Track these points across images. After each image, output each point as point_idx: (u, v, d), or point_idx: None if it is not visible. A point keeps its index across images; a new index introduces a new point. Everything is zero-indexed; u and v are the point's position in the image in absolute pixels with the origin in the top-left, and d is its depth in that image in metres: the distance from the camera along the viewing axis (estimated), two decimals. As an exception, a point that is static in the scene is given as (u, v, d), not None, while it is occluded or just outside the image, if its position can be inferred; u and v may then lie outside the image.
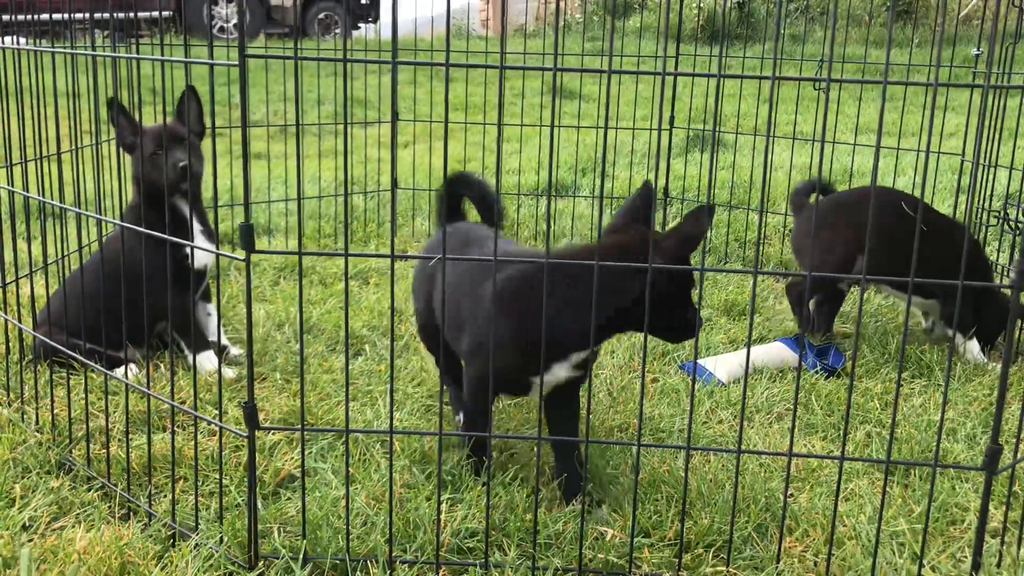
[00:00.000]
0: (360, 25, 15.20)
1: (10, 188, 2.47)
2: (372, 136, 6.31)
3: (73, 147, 2.90)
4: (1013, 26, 3.31)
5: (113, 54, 2.04)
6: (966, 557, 1.98)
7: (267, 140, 5.18)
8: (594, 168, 5.70)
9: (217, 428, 2.29)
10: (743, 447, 2.44)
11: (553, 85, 1.69)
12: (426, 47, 9.58)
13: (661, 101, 1.69)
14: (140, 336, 2.71)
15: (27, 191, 2.45)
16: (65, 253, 2.91)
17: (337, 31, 14.67)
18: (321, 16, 14.39)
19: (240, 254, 1.77)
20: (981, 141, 2.95)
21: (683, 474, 2.24)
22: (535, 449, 2.37)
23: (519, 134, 6.41)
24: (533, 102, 8.69)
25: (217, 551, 1.90)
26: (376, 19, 15.31)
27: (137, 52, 3.72)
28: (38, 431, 2.38)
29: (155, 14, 10.62)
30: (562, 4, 14.05)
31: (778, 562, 1.91)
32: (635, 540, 1.96)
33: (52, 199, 2.38)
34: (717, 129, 2.77)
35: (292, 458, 2.33)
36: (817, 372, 2.94)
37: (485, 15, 17.21)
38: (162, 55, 2.07)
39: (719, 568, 1.91)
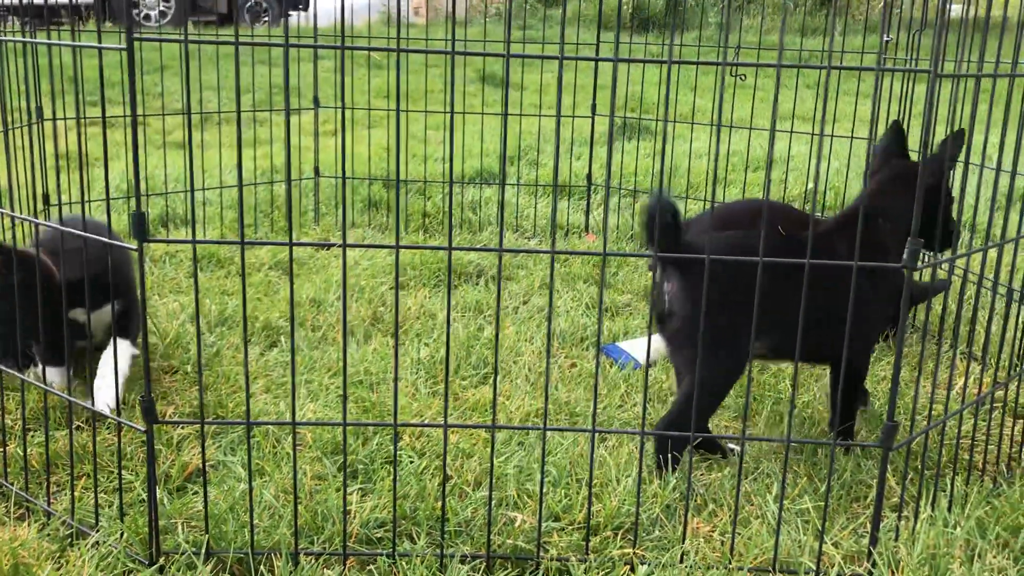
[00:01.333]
0: (291, 13, 14.95)
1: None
2: (296, 125, 6.22)
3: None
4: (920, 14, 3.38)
5: (15, 39, 1.97)
6: (867, 532, 2.02)
7: (186, 128, 5.05)
8: (518, 156, 5.69)
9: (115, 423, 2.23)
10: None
11: (507, 72, 1.67)
12: (360, 34, 9.46)
13: (614, 88, 1.69)
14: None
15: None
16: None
17: (266, 19, 14.43)
18: (251, 3, 14.13)
19: (132, 243, 1.72)
20: (876, 125, 3.01)
21: (602, 457, 2.25)
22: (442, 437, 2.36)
23: (448, 122, 6.37)
24: (467, 90, 8.64)
25: (117, 548, 1.86)
26: (307, 7, 15.06)
27: (48, 39, 3.60)
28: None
29: (75, 0, 10.27)
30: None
31: (684, 542, 1.93)
32: (545, 525, 1.97)
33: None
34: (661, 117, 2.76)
35: (199, 452, 2.28)
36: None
37: (418, 2, 17.08)
38: (73, 39, 2.00)
39: (626, 550, 1.92)
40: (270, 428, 2.38)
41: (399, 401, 2.60)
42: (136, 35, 1.66)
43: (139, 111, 1.74)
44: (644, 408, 1.82)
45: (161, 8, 12.79)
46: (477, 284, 3.67)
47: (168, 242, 1.78)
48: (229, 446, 2.34)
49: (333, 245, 1.78)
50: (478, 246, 4.15)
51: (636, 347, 2.98)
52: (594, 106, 4.38)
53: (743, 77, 3.90)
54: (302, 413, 2.51)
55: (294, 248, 3.70)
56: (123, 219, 4.21)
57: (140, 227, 1.71)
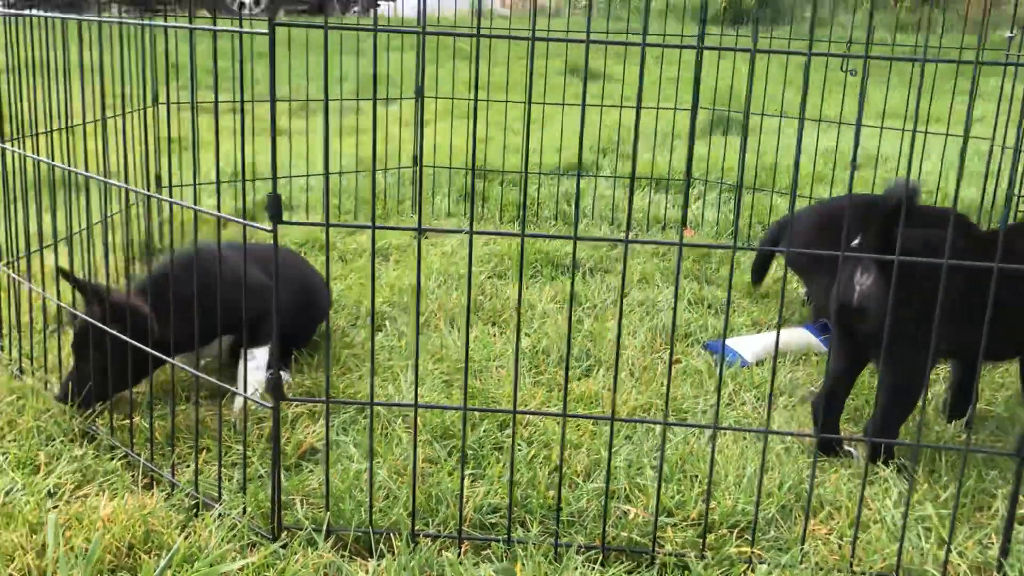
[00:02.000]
0: (380, 3, 15.13)
1: (35, 157, 2.46)
2: (392, 114, 6.29)
3: (95, 119, 2.90)
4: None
5: (143, 22, 2.03)
6: (992, 543, 1.96)
7: (289, 116, 5.17)
8: (615, 149, 5.66)
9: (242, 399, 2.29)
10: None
11: (586, 58, 1.67)
12: (448, 24, 9.51)
13: (697, 77, 1.66)
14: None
15: (52, 161, 2.45)
16: (87, 224, 2.91)
17: (356, 9, 14.63)
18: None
19: (267, 225, 1.76)
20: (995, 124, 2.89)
21: (708, 454, 2.23)
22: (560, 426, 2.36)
23: (540, 114, 6.37)
24: (554, 82, 8.62)
25: (240, 521, 1.91)
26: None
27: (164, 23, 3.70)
28: (61, 400, 2.38)
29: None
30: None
31: (803, 544, 1.89)
32: (658, 519, 1.95)
33: (77, 168, 2.38)
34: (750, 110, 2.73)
35: (314, 431, 2.33)
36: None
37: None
38: (191, 24, 2.05)
39: (743, 549, 1.89)
40: (380, 410, 2.41)
41: (503, 389, 2.61)
42: (276, 21, 1.69)
43: (264, 96, 1.78)
44: (769, 406, 1.79)
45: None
46: (575, 276, 3.66)
47: (301, 224, 1.80)
48: (341, 426, 2.38)
49: (462, 232, 1.79)
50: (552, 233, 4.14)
51: (741, 344, 2.94)
52: (696, 98, 4.32)
53: (854, 72, 3.79)
54: (411, 397, 2.54)
55: (388, 233, 3.72)
56: (227, 203, 4.31)
57: (275, 209, 1.75)
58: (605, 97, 7.58)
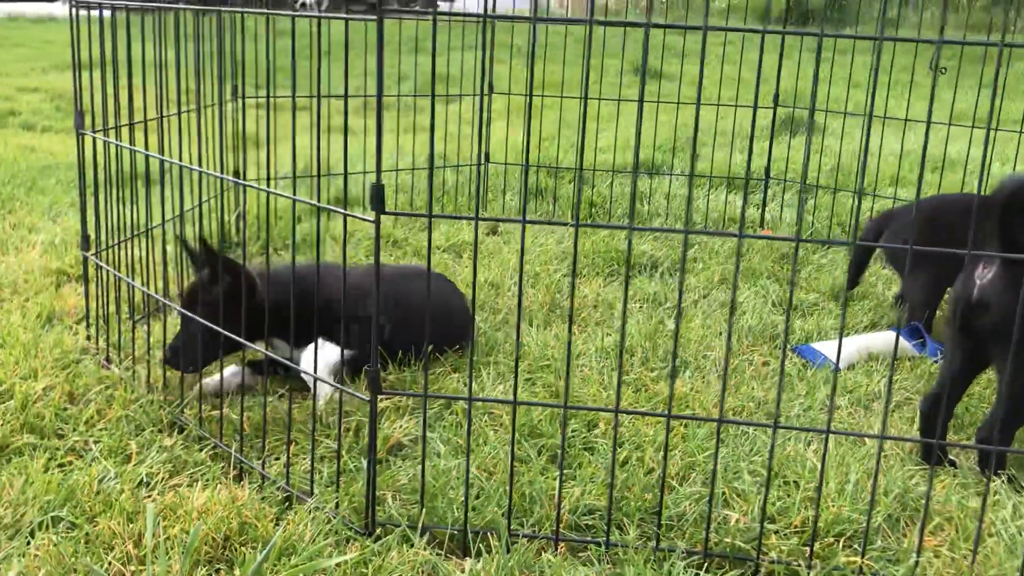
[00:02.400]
0: (439, 3, 15.16)
1: (128, 145, 2.47)
2: (452, 112, 6.26)
3: (175, 113, 2.90)
4: None
5: (251, 10, 2.01)
6: (1117, 561, 1.86)
7: (344, 113, 5.16)
8: (680, 148, 5.57)
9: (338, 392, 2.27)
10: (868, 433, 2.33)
11: (645, 42, 1.61)
12: (507, 25, 9.49)
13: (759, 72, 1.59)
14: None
15: (147, 151, 2.45)
16: (171, 216, 2.92)
17: (415, 6, 14.67)
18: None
19: (370, 215, 1.73)
20: None
21: (808, 460, 2.15)
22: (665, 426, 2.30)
23: (601, 112, 6.31)
24: (614, 81, 8.54)
25: (333, 516, 1.88)
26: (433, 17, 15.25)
27: (238, 22, 3.70)
28: (149, 390, 2.38)
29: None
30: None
31: (918, 555, 1.81)
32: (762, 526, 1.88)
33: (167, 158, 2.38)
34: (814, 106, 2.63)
35: (400, 426, 2.30)
36: (937, 361, 2.81)
37: (563, -6, 17.04)
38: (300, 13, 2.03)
39: (853, 559, 1.82)
40: (463, 407, 2.37)
41: (587, 389, 2.56)
42: (385, 9, 1.66)
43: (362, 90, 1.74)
44: (886, 411, 1.71)
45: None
46: (652, 276, 3.59)
47: (405, 215, 1.75)
48: (427, 423, 2.34)
49: (565, 224, 1.74)
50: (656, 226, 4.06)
51: (831, 348, 2.85)
52: (776, 96, 4.22)
53: (944, 70, 3.67)
54: (494, 394, 2.50)
55: (461, 230, 3.68)
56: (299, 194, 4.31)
57: (378, 198, 1.71)
58: (666, 96, 7.49)
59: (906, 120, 4.09)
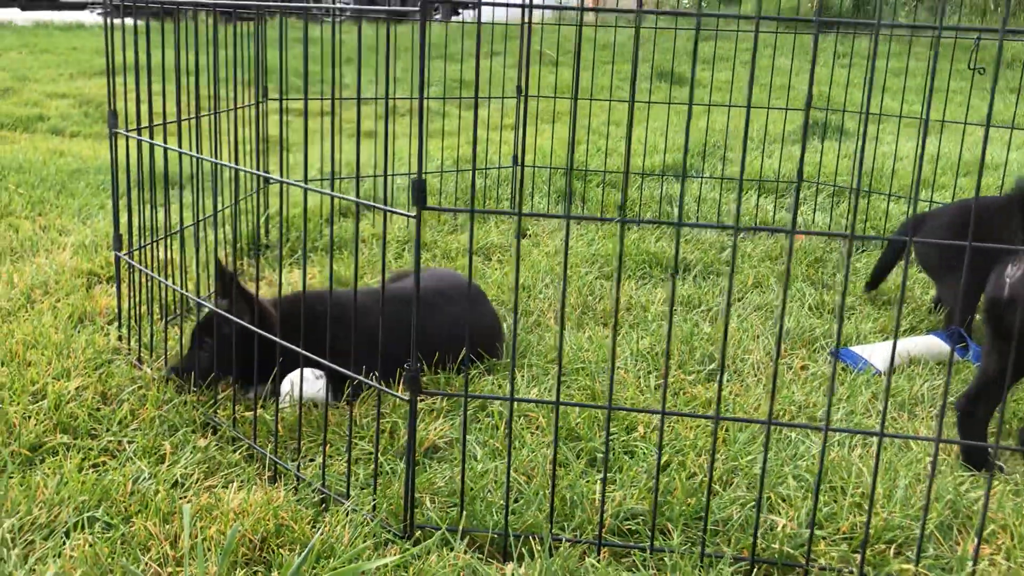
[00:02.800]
0: (459, 11, 15.20)
1: (173, 147, 2.45)
2: (481, 117, 6.25)
3: (210, 113, 2.89)
4: None
5: (293, 4, 1.98)
6: None
7: (375, 118, 5.14)
8: (715, 152, 5.52)
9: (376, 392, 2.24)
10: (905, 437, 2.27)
11: (696, 34, 1.56)
12: (534, 32, 9.48)
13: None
14: None
15: (180, 148, 2.44)
16: (203, 216, 2.90)
17: (437, 17, 14.69)
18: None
19: (412, 210, 1.69)
20: None
21: (854, 465, 2.10)
22: (712, 429, 2.25)
23: (631, 116, 6.28)
24: (641, 87, 8.51)
25: (370, 518, 1.84)
26: (476, 6, 15.25)
27: (269, 27, 3.69)
28: (181, 390, 2.36)
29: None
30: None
31: (974, 564, 1.75)
32: (808, 532, 1.83)
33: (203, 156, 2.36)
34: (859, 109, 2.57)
35: (435, 428, 2.26)
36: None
37: (590, 1, 17.03)
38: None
39: (905, 567, 1.76)
40: (499, 409, 2.33)
41: (625, 392, 2.51)
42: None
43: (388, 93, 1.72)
44: (941, 415, 1.66)
45: (340, 5, 13.21)
46: (685, 279, 3.54)
47: (446, 210, 1.71)
48: (459, 427, 2.30)
49: (611, 220, 1.70)
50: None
51: (871, 352, 2.79)
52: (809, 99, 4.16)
53: (983, 70, 3.61)
54: (529, 396, 2.46)
55: (489, 231, 3.66)
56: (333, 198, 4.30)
57: (420, 194, 1.68)
58: (697, 101, 7.44)
59: (943, 122, 4.02)
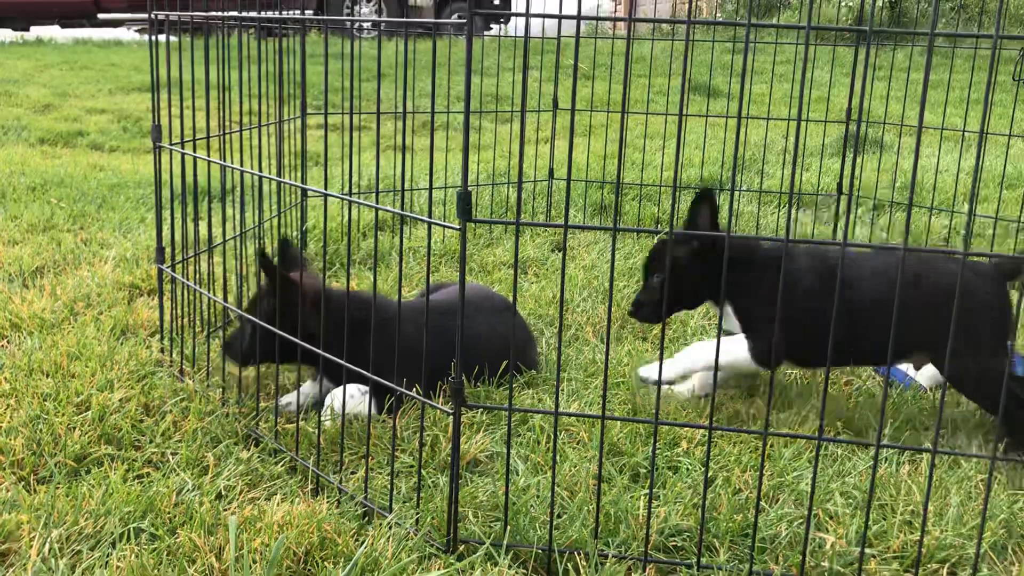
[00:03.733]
0: (492, 26, 15.24)
1: (216, 160, 2.47)
2: (515, 131, 6.26)
3: (240, 128, 2.91)
4: None
5: (334, 17, 1.99)
6: None
7: (404, 132, 5.17)
8: (753, 166, 5.48)
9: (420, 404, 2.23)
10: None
11: (745, 54, 1.55)
12: (568, 45, 9.49)
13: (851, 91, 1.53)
14: None
15: (222, 161, 2.45)
16: (244, 229, 2.92)
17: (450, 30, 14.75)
18: (455, 16, 14.49)
19: (456, 223, 1.69)
20: None
21: (903, 482, 2.06)
22: (761, 445, 2.23)
23: (664, 131, 6.27)
24: (675, 100, 8.49)
25: (413, 532, 1.83)
26: (507, 20, 15.30)
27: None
28: (224, 402, 2.37)
29: (297, 13, 10.86)
30: (699, 3, 13.78)
31: (1032, 584, 1.71)
32: (858, 550, 1.79)
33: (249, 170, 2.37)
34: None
35: (476, 442, 2.25)
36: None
37: (618, 14, 17.04)
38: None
39: (960, 586, 1.72)
40: (541, 424, 2.31)
41: (667, 406, 2.49)
42: (477, 11, 1.63)
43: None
44: (999, 433, 1.62)
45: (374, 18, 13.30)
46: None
47: (492, 222, 1.70)
48: (502, 439, 2.29)
49: (656, 232, 1.69)
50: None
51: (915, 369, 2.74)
52: (848, 111, 4.12)
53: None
54: (566, 408, 2.44)
55: (524, 246, 3.65)
56: (367, 213, 4.32)
57: (466, 206, 1.68)
58: (731, 117, 7.41)
59: (984, 133, 3.96)
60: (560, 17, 1.59)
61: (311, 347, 2.08)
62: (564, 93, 7.43)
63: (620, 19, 1.48)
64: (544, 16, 1.52)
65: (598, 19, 1.58)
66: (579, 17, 1.60)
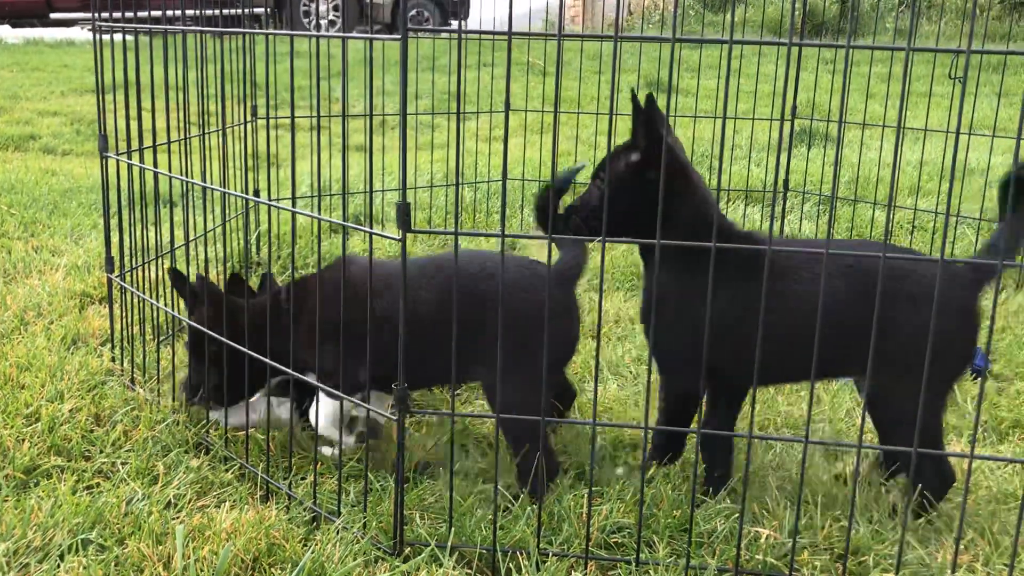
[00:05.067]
0: (450, 22, 15.25)
1: (164, 172, 2.48)
2: (470, 130, 6.29)
3: (186, 135, 2.92)
4: None
5: (279, 31, 2.02)
6: None
7: (368, 132, 5.18)
8: (702, 162, 5.57)
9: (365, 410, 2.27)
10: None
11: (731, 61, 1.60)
12: (522, 43, 9.53)
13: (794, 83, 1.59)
14: None
15: (170, 172, 2.47)
16: (194, 236, 2.94)
17: (428, 24, 14.75)
18: (412, 13, 14.47)
19: (396, 233, 1.73)
20: None
21: (836, 475, 2.14)
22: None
23: (619, 128, 6.34)
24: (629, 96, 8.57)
25: (361, 536, 1.87)
26: (466, 16, 15.31)
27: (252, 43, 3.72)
28: (174, 411, 2.39)
29: (255, 10, 10.75)
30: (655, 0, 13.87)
31: (953, 571, 1.79)
32: (790, 543, 1.86)
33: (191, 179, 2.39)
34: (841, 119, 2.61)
35: (424, 444, 2.29)
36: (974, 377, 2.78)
37: (575, 11, 17.11)
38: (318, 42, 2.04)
39: (887, 575, 1.80)
40: (485, 427, 2.36)
41: (610, 403, 2.55)
42: (410, 32, 1.67)
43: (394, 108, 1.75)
44: (917, 426, 1.70)
45: (331, 17, 13.27)
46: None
47: (431, 232, 1.74)
48: (447, 443, 2.33)
49: (594, 240, 1.74)
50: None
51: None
52: (795, 108, 4.20)
53: (959, 79, 3.66)
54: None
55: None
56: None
57: (405, 217, 1.72)
58: (683, 110, 7.49)
59: (925, 130, 4.07)
60: (492, 33, 1.63)
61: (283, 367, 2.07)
62: (519, 91, 7.48)
63: (550, 36, 1.53)
64: (476, 32, 1.57)
65: (529, 36, 1.63)
66: (511, 34, 1.64)
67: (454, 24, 15.26)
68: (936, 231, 4.18)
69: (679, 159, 2.02)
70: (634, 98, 1.94)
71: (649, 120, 1.96)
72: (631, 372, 2.79)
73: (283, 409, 2.32)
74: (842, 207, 4.44)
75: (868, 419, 2.05)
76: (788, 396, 2.63)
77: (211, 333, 2.16)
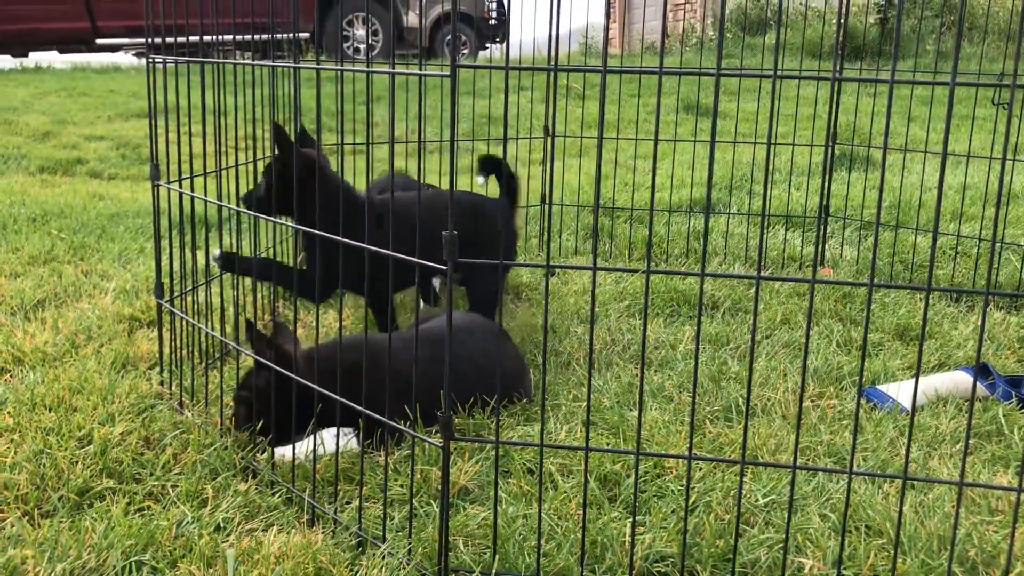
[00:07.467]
0: (487, 45, 15.39)
1: (213, 200, 2.55)
2: (510, 155, 6.35)
3: (236, 163, 2.98)
4: None
5: (337, 67, 2.07)
6: None
7: (405, 157, 5.25)
8: (743, 186, 5.56)
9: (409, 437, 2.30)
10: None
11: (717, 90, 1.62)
12: (560, 64, 9.60)
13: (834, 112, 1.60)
14: None
15: (217, 199, 2.53)
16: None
17: (465, 51, 14.90)
18: (449, 37, 14.65)
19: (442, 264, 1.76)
20: None
21: (879, 504, 2.12)
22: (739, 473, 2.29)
23: (656, 151, 6.38)
24: (666, 119, 8.59)
25: (406, 561, 1.90)
26: (503, 40, 15.46)
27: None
28: (222, 435, 2.44)
29: (301, 35, 10.91)
30: (692, 22, 13.91)
31: (1005, 606, 1.77)
32: (835, 573, 1.86)
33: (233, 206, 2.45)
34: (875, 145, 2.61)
35: (465, 471, 2.31)
36: (1011, 403, 2.76)
37: (612, 32, 17.19)
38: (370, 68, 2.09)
39: (933, 608, 1.78)
40: (530, 452, 2.38)
41: (654, 434, 2.55)
42: (458, 63, 1.71)
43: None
44: (964, 456, 1.69)
45: (370, 42, 13.46)
46: (713, 316, 3.58)
47: (476, 262, 1.76)
48: (492, 469, 2.35)
49: (637, 271, 1.76)
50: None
51: (896, 390, 2.81)
52: (835, 135, 4.20)
53: (1005, 105, 3.64)
54: (561, 437, 2.51)
55: (519, 271, 3.73)
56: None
57: (453, 248, 1.75)
58: (722, 134, 7.50)
59: (968, 156, 4.04)
60: (533, 69, 1.66)
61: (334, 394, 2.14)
62: (557, 115, 7.54)
63: (595, 69, 1.56)
64: (520, 69, 1.60)
65: (573, 69, 1.66)
66: (556, 68, 1.67)
67: (491, 47, 15.39)
68: (981, 257, 4.14)
69: (307, 156, 2.88)
70: (274, 126, 2.78)
71: (279, 136, 2.77)
72: (668, 397, 2.79)
73: (329, 437, 2.36)
74: (884, 232, 4.42)
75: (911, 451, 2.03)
76: (830, 425, 2.62)
77: (318, 388, 2.19)
